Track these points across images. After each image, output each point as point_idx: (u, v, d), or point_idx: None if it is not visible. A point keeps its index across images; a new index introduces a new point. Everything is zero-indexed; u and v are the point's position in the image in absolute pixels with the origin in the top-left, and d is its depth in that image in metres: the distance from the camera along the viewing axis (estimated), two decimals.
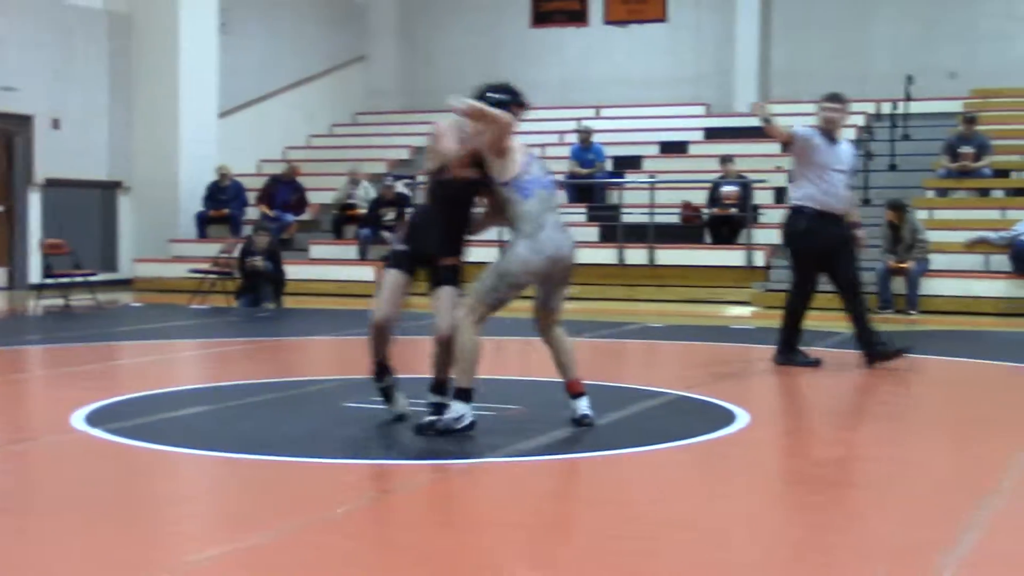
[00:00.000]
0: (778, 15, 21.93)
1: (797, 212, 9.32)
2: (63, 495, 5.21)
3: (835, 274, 9.40)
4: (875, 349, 9.35)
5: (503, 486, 5.44)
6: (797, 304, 9.51)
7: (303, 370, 9.76)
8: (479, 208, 6.76)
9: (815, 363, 9.45)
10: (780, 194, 17.93)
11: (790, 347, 9.52)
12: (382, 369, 6.81)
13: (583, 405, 6.66)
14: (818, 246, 9.24)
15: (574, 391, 6.72)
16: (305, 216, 19.13)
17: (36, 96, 17.74)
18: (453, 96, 6.41)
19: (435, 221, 6.67)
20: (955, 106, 19.56)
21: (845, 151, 9.45)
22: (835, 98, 9.47)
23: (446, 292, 6.62)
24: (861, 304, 9.42)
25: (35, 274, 16.63)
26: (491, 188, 6.49)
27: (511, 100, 6.53)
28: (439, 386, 6.65)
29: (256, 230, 15.61)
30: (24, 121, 17.73)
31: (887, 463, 6.13)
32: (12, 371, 9.63)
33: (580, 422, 6.63)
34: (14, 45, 17.41)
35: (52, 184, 18.03)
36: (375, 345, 6.75)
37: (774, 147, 19.41)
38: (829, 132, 9.30)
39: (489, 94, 6.53)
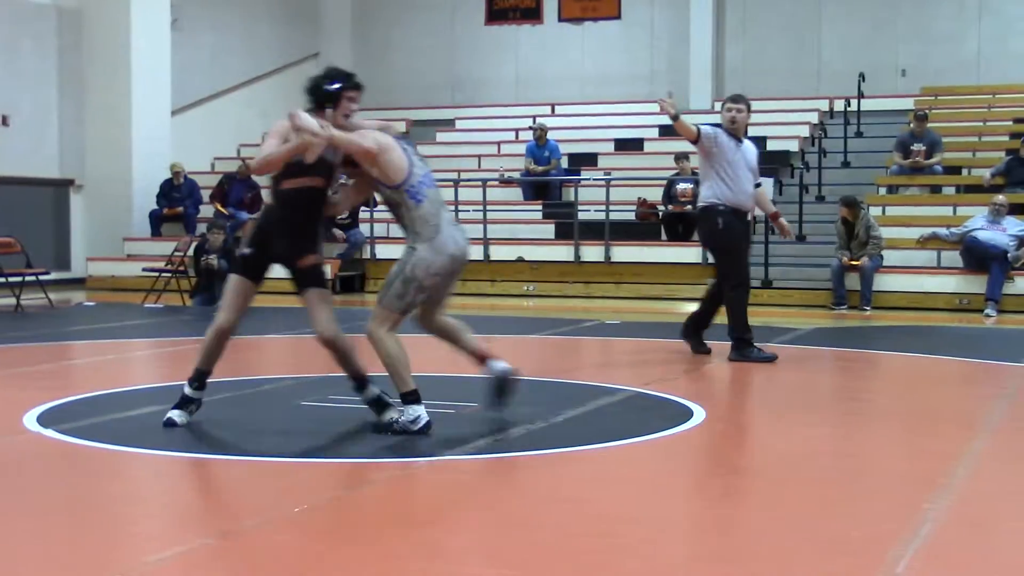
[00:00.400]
0: (732, 13, 22.06)
1: (710, 210, 9.48)
2: (16, 497, 5.15)
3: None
4: (744, 344, 9.56)
5: (461, 483, 5.43)
6: (739, 299, 9.63)
7: (258, 369, 9.70)
8: (337, 188, 6.58)
9: (772, 358, 9.52)
10: None
11: (744, 343, 9.59)
12: (202, 376, 6.60)
13: (502, 363, 6.69)
14: (737, 238, 9.50)
15: (487, 356, 6.73)
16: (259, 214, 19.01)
17: None
18: (295, 112, 6.19)
19: (283, 223, 6.47)
20: (907, 103, 19.76)
21: (750, 150, 9.68)
22: (738, 99, 9.74)
23: (314, 293, 6.50)
24: (744, 298, 9.64)
25: None
26: (355, 164, 6.36)
27: (344, 86, 6.35)
28: (360, 383, 6.53)
29: (210, 228, 15.51)
30: None
31: (842, 457, 6.18)
32: None
33: (508, 377, 6.65)
34: None
35: (2, 182, 17.83)
36: (209, 351, 6.58)
37: None
38: (733, 132, 9.52)
39: (325, 87, 6.33)
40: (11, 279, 14.54)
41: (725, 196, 9.40)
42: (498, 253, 17.26)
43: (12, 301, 14.36)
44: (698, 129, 9.43)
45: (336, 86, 6.31)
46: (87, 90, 18.92)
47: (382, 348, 6.31)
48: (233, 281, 6.51)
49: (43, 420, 6.73)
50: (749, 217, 9.76)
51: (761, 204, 9.91)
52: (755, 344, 9.61)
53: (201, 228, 17.29)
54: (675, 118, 9.29)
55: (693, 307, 11.30)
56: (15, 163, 17.95)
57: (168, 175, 18.79)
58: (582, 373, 9.40)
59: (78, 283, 18.36)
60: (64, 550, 4.34)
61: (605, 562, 4.24)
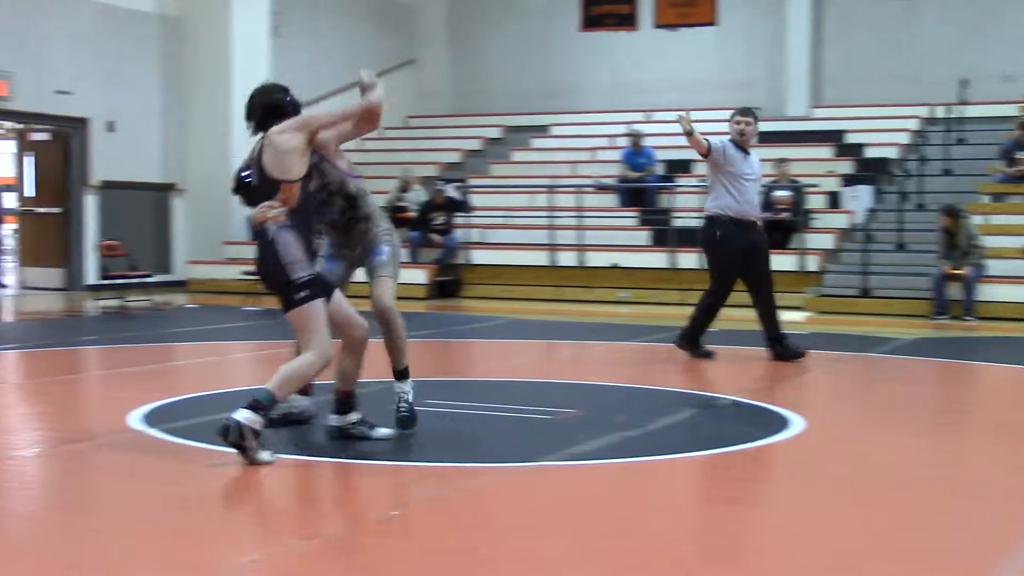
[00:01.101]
0: (830, 17, 21.79)
1: (712, 220, 9.96)
2: (120, 494, 5.26)
3: (747, 274, 10.11)
4: (780, 346, 10.07)
5: (558, 489, 5.44)
6: (713, 306, 10.22)
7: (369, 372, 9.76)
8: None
9: (709, 355, 10.10)
10: (834, 198, 17.83)
11: (694, 341, 10.18)
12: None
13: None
14: (734, 251, 9.92)
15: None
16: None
17: (91, 99, 17.94)
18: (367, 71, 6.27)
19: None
20: (1010, 110, 19.34)
21: (755, 162, 10.05)
22: (747, 112, 10.20)
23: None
24: (770, 301, 10.15)
25: (92, 275, 16.82)
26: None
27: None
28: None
29: None
30: (80, 124, 17.95)
31: (943, 470, 6.08)
32: (70, 371, 9.75)
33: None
34: (69, 49, 17.62)
35: (108, 186, 18.23)
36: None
37: (827, 151, 19.37)
38: (742, 144, 9.94)
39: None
40: (116, 281, 14.86)
41: (730, 207, 9.80)
42: (593, 260, 17.24)
43: (117, 302, 14.67)
44: (708, 143, 9.83)
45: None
46: (189, 96, 19.27)
47: (399, 321, 6.53)
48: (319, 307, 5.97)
49: (148, 420, 6.87)
50: (760, 225, 10.22)
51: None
52: (703, 349, 10.14)
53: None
54: (689, 134, 9.76)
55: (788, 315, 11.20)
56: (120, 168, 18.33)
57: None
58: (677, 380, 9.36)
59: (179, 285, 18.69)
60: (165, 548, 4.43)
61: (702, 570, 4.23)
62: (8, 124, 19.85)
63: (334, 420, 6.32)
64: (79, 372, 9.84)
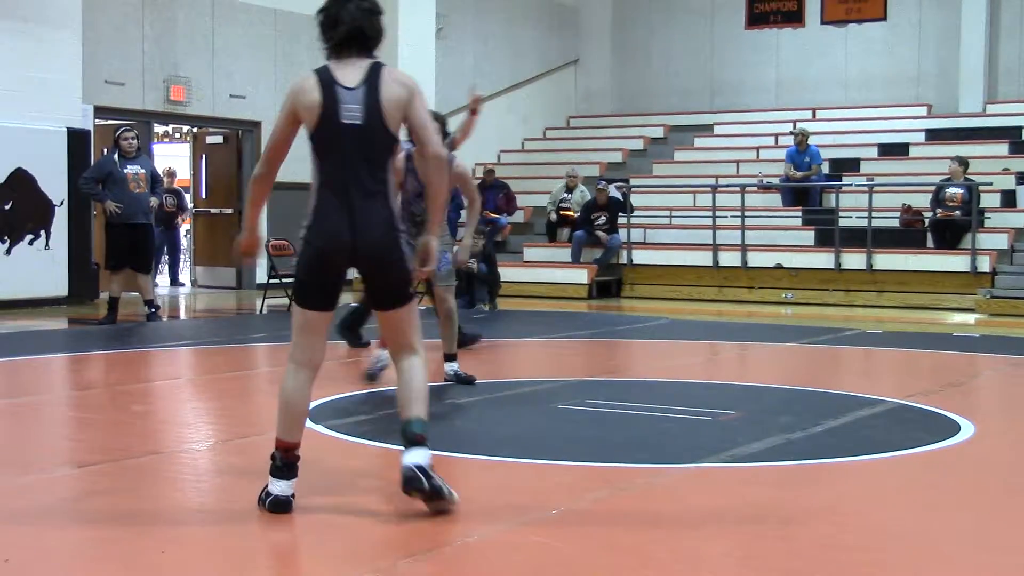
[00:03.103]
0: (1007, 10, 21.08)
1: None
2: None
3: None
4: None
5: (718, 491, 5.39)
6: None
7: (517, 371, 9.85)
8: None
9: (366, 344, 10.29)
10: (1008, 197, 17.29)
11: (353, 330, 10.40)
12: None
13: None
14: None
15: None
16: (518, 219, 19.33)
17: (263, 102, 18.42)
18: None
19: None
20: None
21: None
22: None
23: None
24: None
25: (262, 274, 17.27)
26: None
27: None
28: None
29: None
30: (252, 127, 18.45)
31: None
32: (240, 367, 10.03)
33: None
34: (242, 54, 18.13)
35: (277, 187, 18.53)
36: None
37: (1001, 148, 18.78)
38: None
39: None
40: (285, 280, 15.23)
41: None
42: (756, 260, 17.03)
43: (285, 301, 15.04)
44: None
45: None
46: None
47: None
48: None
49: (313, 416, 7.01)
50: None
51: None
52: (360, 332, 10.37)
53: (460, 233, 17.66)
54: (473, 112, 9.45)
55: (958, 318, 10.91)
56: (289, 169, 18.43)
57: None
58: (842, 383, 9.20)
59: (345, 285, 19.03)
60: (328, 540, 4.52)
61: (854, 571, 4.15)
62: (185, 128, 20.53)
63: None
64: (248, 369, 10.12)
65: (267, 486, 4.84)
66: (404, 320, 4.98)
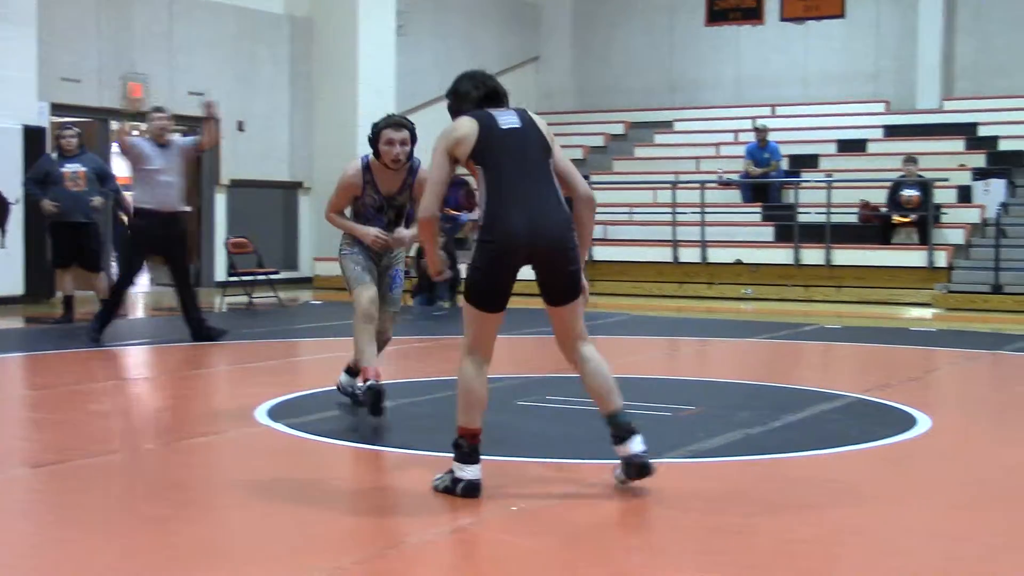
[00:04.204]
0: (963, 7, 21.25)
1: (137, 212, 10.67)
2: (246, 486, 5.36)
3: (172, 268, 10.90)
4: (202, 329, 10.86)
5: (679, 486, 5.40)
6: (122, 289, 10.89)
7: None
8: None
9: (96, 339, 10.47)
10: (964, 193, 17.44)
11: (103, 324, 10.60)
12: None
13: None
14: (148, 242, 10.64)
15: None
16: (476, 215, 19.35)
17: (222, 100, 18.24)
18: None
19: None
20: None
21: (173, 155, 10.65)
22: (160, 109, 11.00)
23: None
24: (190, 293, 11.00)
25: (221, 272, 17.19)
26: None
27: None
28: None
29: None
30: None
31: None
32: (199, 366, 9.98)
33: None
34: (201, 51, 18.02)
35: (237, 185, 18.61)
36: None
37: (958, 144, 18.94)
38: (158, 139, 10.63)
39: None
40: (244, 278, 15.16)
41: (146, 199, 10.50)
42: (716, 256, 17.11)
43: (245, 299, 14.97)
44: (126, 142, 10.98)
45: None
46: (316, 96, 19.58)
47: None
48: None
49: (273, 414, 7.00)
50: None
51: None
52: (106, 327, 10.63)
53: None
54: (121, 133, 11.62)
55: (915, 312, 10.96)
56: (249, 167, 18.71)
57: None
58: (801, 378, 9.25)
59: (305, 282, 19.01)
60: (288, 539, 4.50)
61: (822, 571, 4.17)
62: (143, 125, 20.37)
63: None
64: (206, 367, 10.07)
65: (452, 473, 5.00)
66: (575, 314, 5.26)
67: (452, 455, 5.04)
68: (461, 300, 5.16)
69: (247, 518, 4.83)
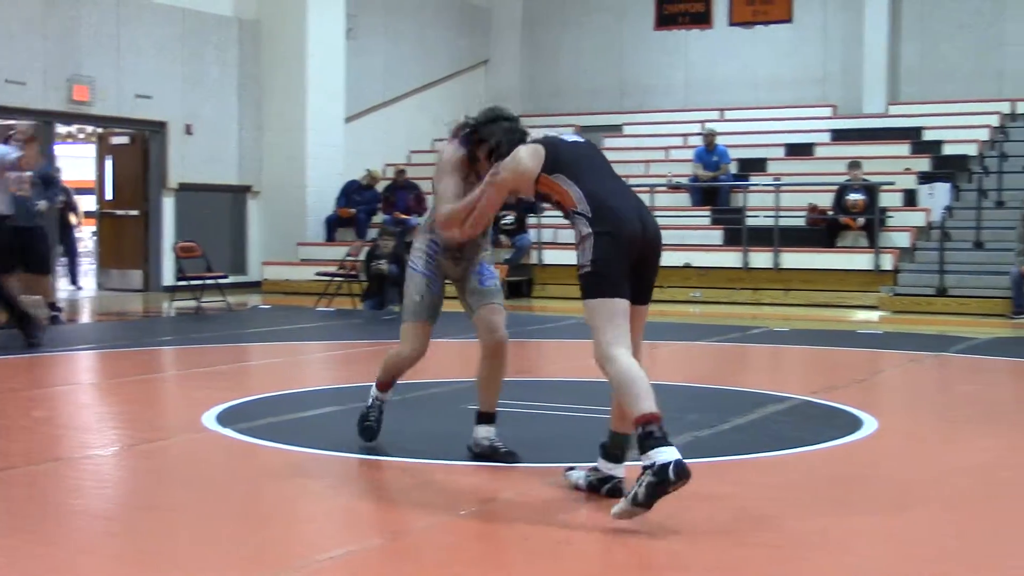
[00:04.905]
0: (909, 12, 21.49)
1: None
2: (195, 492, 5.33)
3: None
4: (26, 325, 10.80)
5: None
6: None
7: (427, 373, 9.82)
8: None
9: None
10: (910, 196, 17.61)
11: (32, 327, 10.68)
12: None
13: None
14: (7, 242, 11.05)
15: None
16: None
17: (170, 103, 18.20)
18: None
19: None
20: None
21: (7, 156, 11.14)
22: None
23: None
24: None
25: (169, 277, 17.06)
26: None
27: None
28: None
29: (382, 234, 15.81)
30: (159, 127, 18.21)
31: (1019, 472, 5.98)
32: (147, 371, 9.89)
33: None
34: (149, 53, 17.89)
35: (185, 188, 18.48)
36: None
37: (903, 148, 19.14)
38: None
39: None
40: (192, 282, 15.06)
41: None
42: (665, 259, 17.02)
43: (193, 303, 14.87)
44: None
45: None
46: (265, 99, 19.48)
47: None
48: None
49: (221, 419, 6.95)
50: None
51: None
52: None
53: (373, 234, 17.64)
54: None
55: (862, 315, 11.01)
56: (197, 170, 18.59)
57: (346, 178, 19.30)
58: (749, 380, 9.30)
59: (254, 286, 18.91)
60: (239, 545, 4.48)
61: (765, 571, 4.20)
62: (89, 128, 20.21)
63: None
64: (155, 372, 9.99)
65: (652, 467, 4.56)
66: (646, 315, 5.34)
67: (639, 451, 4.68)
68: (585, 301, 4.93)
69: (195, 525, 4.80)
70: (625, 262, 5.02)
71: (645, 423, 4.67)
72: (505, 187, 5.30)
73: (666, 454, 4.58)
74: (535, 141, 5.33)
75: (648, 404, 4.72)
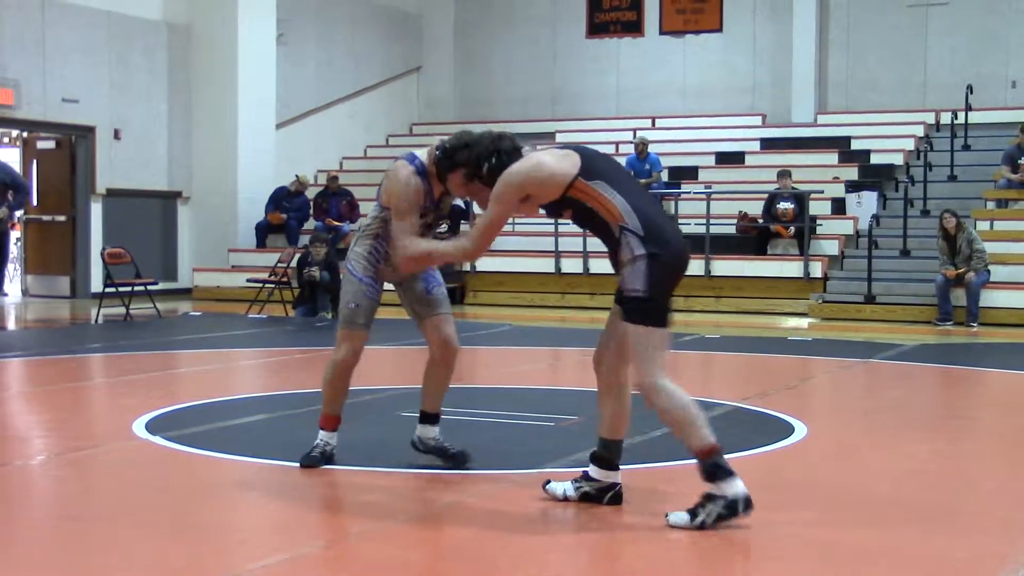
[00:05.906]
0: (835, 24, 21.77)
1: None
2: (123, 501, 5.27)
3: None
4: None
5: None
6: None
7: (359, 380, 9.77)
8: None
9: None
10: (838, 204, 17.82)
11: None
12: None
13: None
14: None
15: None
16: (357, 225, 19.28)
17: (97, 107, 17.98)
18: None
19: None
20: (1017, 116, 19.33)
21: None
22: None
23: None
24: None
25: (97, 283, 16.85)
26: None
27: None
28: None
29: (313, 241, 15.73)
30: (86, 132, 17.98)
31: (946, 477, 6.08)
32: (75, 379, 9.76)
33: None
34: (76, 57, 17.66)
35: (113, 194, 18.27)
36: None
37: (831, 158, 19.38)
38: None
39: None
40: (121, 289, 14.87)
41: None
42: (598, 266, 17.24)
43: (122, 310, 14.69)
44: None
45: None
46: (195, 104, 19.31)
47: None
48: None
49: (151, 427, 6.88)
50: None
51: None
52: None
53: (304, 240, 17.54)
54: None
55: (792, 322, 11.11)
56: (126, 176, 18.38)
57: (277, 184, 19.17)
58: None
59: (184, 293, 18.72)
60: (169, 555, 4.43)
61: (689, 572, 4.23)
62: (14, 132, 19.91)
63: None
64: (83, 380, 9.86)
65: (719, 500, 4.72)
66: None
67: (707, 480, 4.77)
68: (634, 327, 4.88)
69: (123, 535, 4.74)
70: (672, 287, 5.03)
71: (713, 454, 4.80)
72: (515, 199, 5.07)
73: (736, 488, 4.75)
74: (558, 147, 5.15)
75: (711, 435, 4.83)
